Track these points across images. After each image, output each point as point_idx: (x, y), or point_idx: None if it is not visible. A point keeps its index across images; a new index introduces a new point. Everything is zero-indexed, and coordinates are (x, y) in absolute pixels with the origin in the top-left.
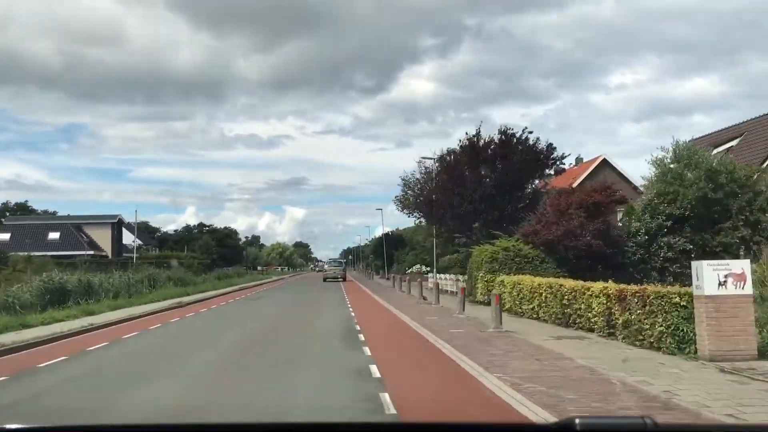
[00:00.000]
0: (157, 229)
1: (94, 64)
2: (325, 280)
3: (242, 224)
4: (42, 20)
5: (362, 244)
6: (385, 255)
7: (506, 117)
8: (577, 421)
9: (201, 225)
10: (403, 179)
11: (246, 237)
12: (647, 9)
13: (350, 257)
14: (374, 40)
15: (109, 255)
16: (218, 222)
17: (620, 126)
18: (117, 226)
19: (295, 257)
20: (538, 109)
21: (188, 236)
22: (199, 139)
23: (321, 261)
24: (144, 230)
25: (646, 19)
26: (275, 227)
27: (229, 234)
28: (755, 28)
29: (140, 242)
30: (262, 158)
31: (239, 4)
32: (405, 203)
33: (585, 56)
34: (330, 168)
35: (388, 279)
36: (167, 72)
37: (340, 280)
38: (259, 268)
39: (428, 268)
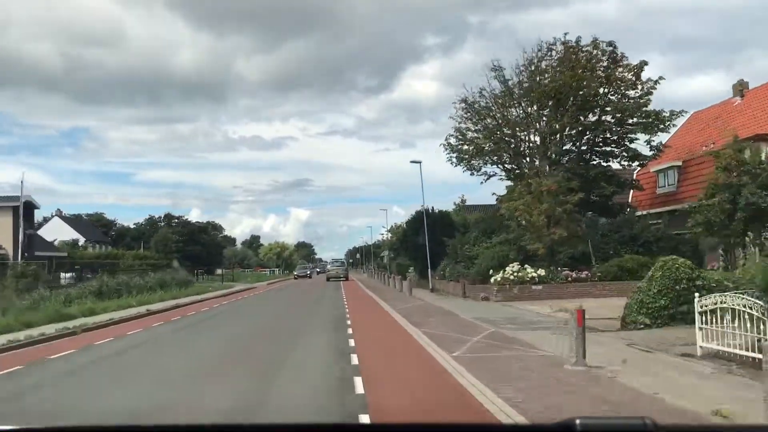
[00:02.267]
0: (112, 222)
1: (95, 66)
2: (328, 279)
3: (247, 226)
4: (42, 22)
5: (375, 239)
6: (427, 248)
7: None
8: (577, 421)
9: (168, 216)
10: (463, 100)
11: (246, 239)
12: (650, 7)
13: (358, 256)
14: (376, 39)
15: (10, 254)
16: (223, 224)
17: None
18: (24, 212)
19: (296, 258)
20: None
21: (151, 231)
22: (203, 141)
23: (324, 261)
24: (95, 223)
25: (650, 17)
26: (280, 229)
27: (204, 228)
28: (760, 24)
29: (81, 237)
30: (265, 160)
31: (238, 3)
32: (461, 150)
33: None
34: (334, 169)
35: (432, 291)
36: (169, 74)
37: (342, 279)
38: (218, 271)
39: (539, 271)
